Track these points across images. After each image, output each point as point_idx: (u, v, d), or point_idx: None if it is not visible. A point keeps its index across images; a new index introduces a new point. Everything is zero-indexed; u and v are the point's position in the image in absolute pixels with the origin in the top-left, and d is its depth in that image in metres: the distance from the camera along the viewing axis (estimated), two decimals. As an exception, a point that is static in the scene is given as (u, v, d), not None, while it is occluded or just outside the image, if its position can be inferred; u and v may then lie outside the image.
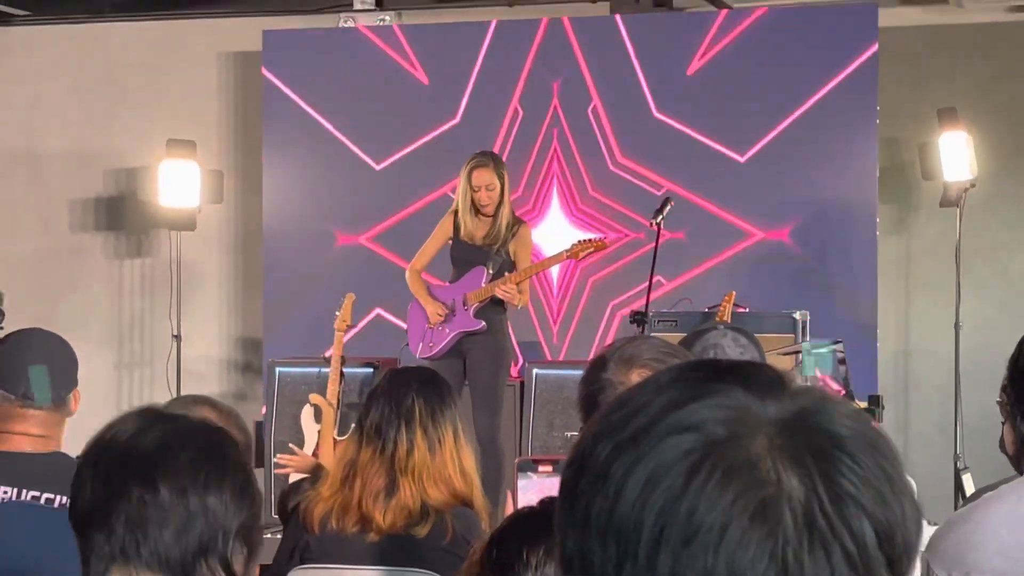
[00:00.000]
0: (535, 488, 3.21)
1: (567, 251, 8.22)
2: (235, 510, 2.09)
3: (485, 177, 7.98)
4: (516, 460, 3.60)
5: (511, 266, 8.07)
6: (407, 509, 4.15)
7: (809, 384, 1.04)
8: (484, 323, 8.04)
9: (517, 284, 8.00)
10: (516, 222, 8.12)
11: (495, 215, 8.03)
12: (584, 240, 8.23)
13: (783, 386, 1.06)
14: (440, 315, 8.09)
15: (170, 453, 2.12)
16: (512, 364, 8.45)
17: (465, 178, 8.04)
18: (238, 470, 2.16)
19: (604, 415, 1.08)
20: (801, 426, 1.03)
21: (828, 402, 1.06)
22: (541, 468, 3.28)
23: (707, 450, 1.01)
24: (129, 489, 2.10)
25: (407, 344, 8.43)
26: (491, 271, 8.03)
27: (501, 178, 8.02)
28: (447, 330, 8.12)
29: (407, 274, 8.36)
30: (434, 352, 8.15)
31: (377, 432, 4.25)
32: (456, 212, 8.12)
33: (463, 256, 8.11)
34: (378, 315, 9.78)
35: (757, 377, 1.06)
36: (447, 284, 8.25)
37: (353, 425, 8.51)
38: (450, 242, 8.19)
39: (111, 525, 2.10)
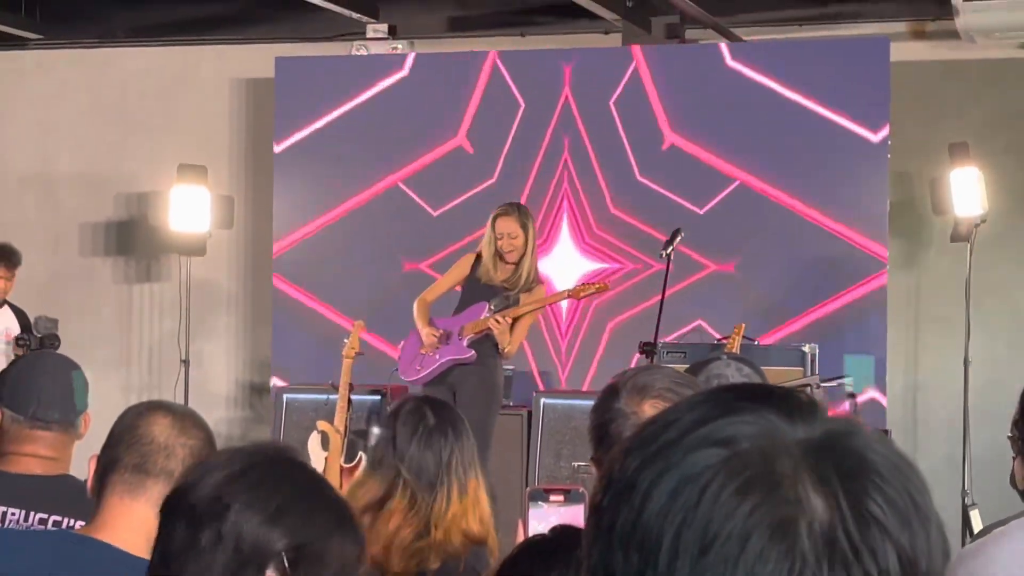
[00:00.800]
0: (546, 517, 3.20)
1: (569, 291, 8.22)
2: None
3: (509, 225, 8.00)
4: (527, 489, 3.59)
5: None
6: (426, 553, 4.12)
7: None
8: (474, 353, 8.00)
9: (511, 321, 7.95)
10: (536, 279, 8.11)
11: (518, 264, 8.03)
12: (586, 283, 8.23)
13: (814, 410, 1.05)
14: (433, 338, 8.07)
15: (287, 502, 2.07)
16: (501, 401, 8.40)
17: (490, 225, 8.07)
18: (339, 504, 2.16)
19: (636, 432, 1.08)
20: (829, 448, 1.02)
21: (857, 427, 1.05)
22: (552, 497, 3.27)
23: (731, 463, 1.01)
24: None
25: (396, 369, 8.39)
26: (493, 307, 8.01)
27: (525, 228, 8.02)
28: (437, 356, 8.09)
29: (415, 303, 8.34)
30: (421, 376, 8.11)
31: (418, 479, 4.21)
32: (478, 254, 8.13)
33: (473, 293, 8.10)
34: (381, 342, 9.78)
35: (788, 400, 1.06)
36: (450, 317, 8.24)
37: (364, 455, 8.53)
38: (465, 281, 8.18)
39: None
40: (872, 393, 8.84)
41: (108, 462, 2.88)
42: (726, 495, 1.00)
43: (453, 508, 4.18)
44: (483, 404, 7.99)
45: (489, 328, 7.94)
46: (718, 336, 8.72)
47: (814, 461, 1.01)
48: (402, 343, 8.37)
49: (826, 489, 1.00)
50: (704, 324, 9.27)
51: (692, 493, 1.00)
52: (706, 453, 1.02)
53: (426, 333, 8.12)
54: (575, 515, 3.12)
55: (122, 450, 2.87)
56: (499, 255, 8.03)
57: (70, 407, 3.73)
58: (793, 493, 1.00)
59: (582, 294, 8.20)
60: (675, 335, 9.00)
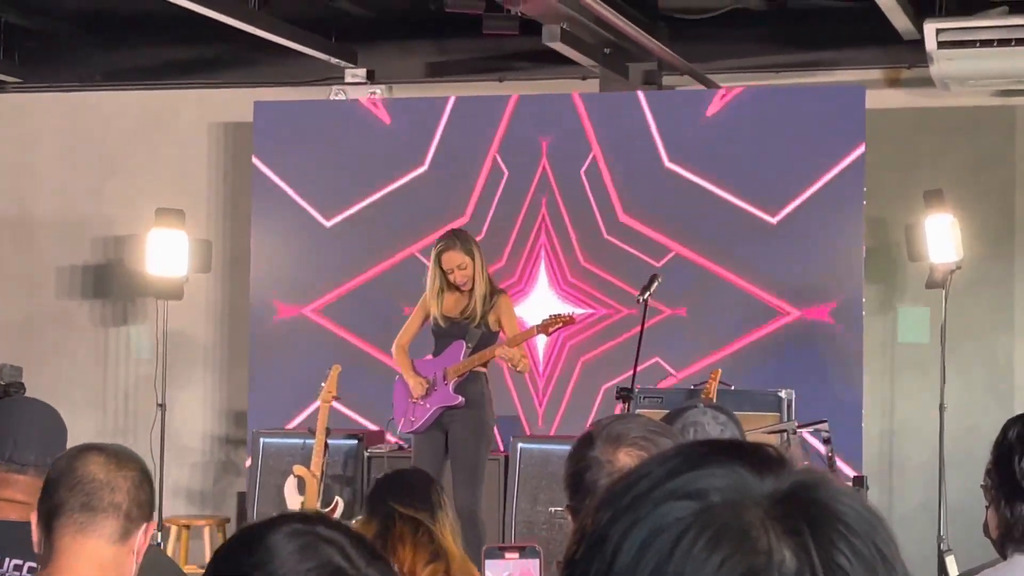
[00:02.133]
0: (502, 571, 3.29)
1: (538, 326, 8.25)
2: None
3: (455, 259, 8.03)
4: (484, 547, 3.67)
5: (492, 338, 8.08)
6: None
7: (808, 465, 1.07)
8: (462, 399, 8.04)
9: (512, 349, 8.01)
10: (495, 293, 8.14)
11: (471, 291, 8.06)
12: (554, 315, 8.26)
13: (782, 463, 1.07)
14: (422, 388, 8.10)
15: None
16: (494, 437, 8.44)
17: (434, 262, 8.08)
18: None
19: (609, 486, 1.10)
20: (797, 500, 1.04)
21: (825, 479, 1.07)
22: (508, 555, 3.34)
23: (700, 516, 1.02)
24: None
25: (391, 419, 8.42)
26: (470, 345, 8.04)
27: (471, 254, 8.04)
28: (427, 404, 8.12)
29: (393, 348, 8.37)
30: (415, 427, 8.15)
31: (416, 509, 4.46)
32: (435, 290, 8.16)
33: (443, 330, 8.14)
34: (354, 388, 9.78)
35: (757, 454, 1.07)
36: (428, 359, 8.26)
37: (340, 500, 8.54)
38: (430, 318, 8.21)
39: None
40: (849, 438, 8.84)
41: (52, 509, 2.95)
42: (697, 548, 1.00)
43: (451, 543, 4.44)
44: (474, 445, 8.04)
45: (478, 366, 8.00)
46: (672, 372, 8.75)
47: (782, 512, 1.02)
48: (393, 395, 8.37)
49: (795, 540, 1.01)
50: (660, 361, 9.23)
51: (663, 545, 1.01)
52: (676, 506, 1.02)
53: (414, 384, 8.14)
54: (529, 570, 3.20)
55: (64, 494, 2.93)
56: (448, 287, 8.06)
57: (46, 450, 3.73)
58: (762, 544, 1.00)
59: (551, 329, 8.24)
60: (628, 374, 9.06)
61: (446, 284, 8.09)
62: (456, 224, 9.09)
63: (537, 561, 3.34)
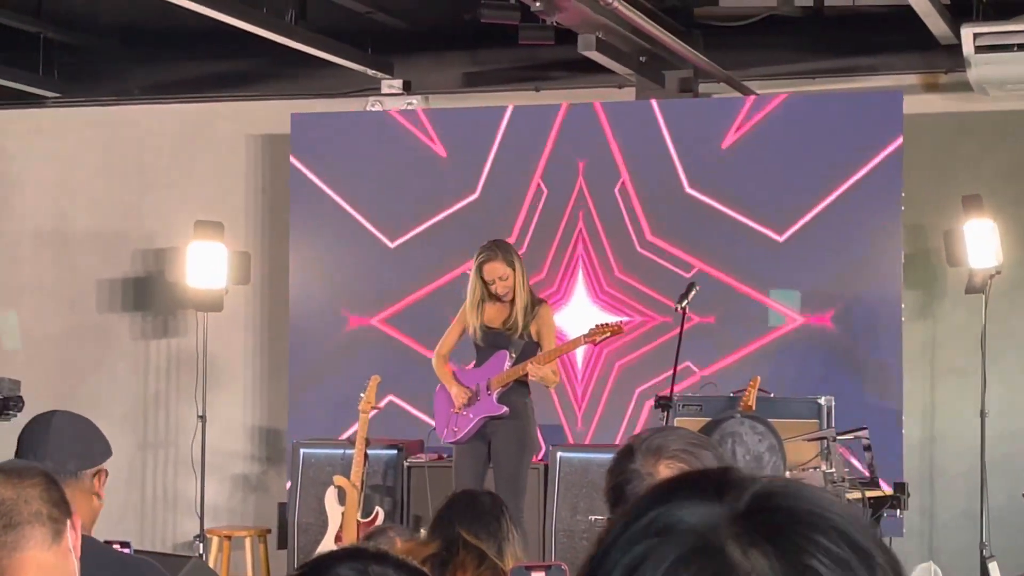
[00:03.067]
0: None
1: (585, 336, 8.23)
2: None
3: (497, 270, 8.03)
4: (511, 567, 3.67)
5: (534, 348, 8.09)
6: None
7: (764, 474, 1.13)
8: (507, 408, 8.06)
9: (545, 364, 8.02)
10: (535, 303, 8.15)
11: (512, 302, 8.07)
12: (602, 325, 8.24)
13: (743, 482, 1.11)
14: (464, 399, 8.12)
15: None
16: (537, 447, 8.45)
17: (476, 273, 8.09)
18: None
19: (596, 537, 1.16)
20: (758, 511, 1.07)
21: (784, 485, 1.11)
22: (534, 574, 3.36)
23: (668, 545, 1.07)
24: None
25: (434, 429, 8.44)
26: (513, 355, 8.05)
27: (512, 265, 8.05)
28: (471, 415, 8.13)
29: (433, 359, 8.39)
30: (459, 437, 8.17)
31: (479, 538, 4.37)
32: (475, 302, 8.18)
33: (485, 341, 8.15)
34: (392, 400, 9.79)
35: (717, 479, 1.12)
36: (471, 368, 8.27)
37: (381, 510, 8.54)
38: (471, 329, 8.21)
39: None
40: (889, 445, 8.79)
41: None
42: (664, 572, 1.05)
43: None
44: (516, 455, 8.05)
45: (521, 376, 8.00)
46: (701, 373, 8.75)
47: (746, 526, 1.06)
48: (434, 404, 8.39)
49: (762, 550, 1.05)
50: (691, 365, 9.22)
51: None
52: (649, 543, 1.08)
53: (456, 394, 8.15)
54: None
55: None
56: (489, 297, 8.07)
57: (79, 460, 3.75)
58: (731, 560, 1.04)
59: (599, 339, 8.22)
60: (660, 378, 9.05)
61: (487, 295, 8.10)
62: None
63: None
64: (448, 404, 8.24)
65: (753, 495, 1.09)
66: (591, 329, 8.24)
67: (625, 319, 9.58)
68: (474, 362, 8.28)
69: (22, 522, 2.96)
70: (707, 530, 1.06)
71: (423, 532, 4.81)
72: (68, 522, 3.04)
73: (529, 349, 8.07)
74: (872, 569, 1.06)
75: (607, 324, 8.24)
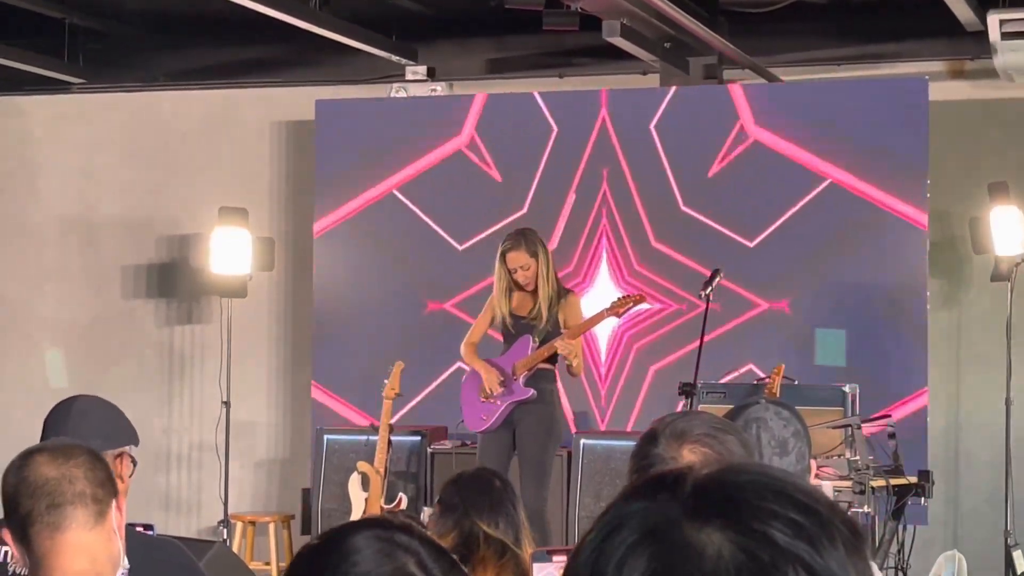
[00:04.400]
0: (552, 572, 3.33)
1: (607, 309, 8.22)
2: None
3: (519, 259, 8.03)
4: (531, 551, 3.66)
5: (558, 335, 8.08)
6: None
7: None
8: (534, 391, 8.05)
9: (571, 341, 7.99)
10: (562, 293, 8.14)
11: (536, 291, 8.06)
12: (624, 296, 8.24)
13: (684, 474, 1.14)
14: (496, 383, 8.10)
15: None
16: (563, 435, 8.44)
17: (500, 262, 8.10)
18: None
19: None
20: (701, 494, 1.10)
21: (723, 466, 1.14)
22: (556, 558, 3.36)
23: (628, 534, 1.10)
24: None
25: (463, 420, 8.42)
26: (536, 340, 8.05)
27: (535, 255, 8.04)
28: (499, 402, 8.12)
29: (462, 348, 8.37)
30: (488, 425, 8.15)
31: (501, 531, 4.27)
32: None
33: (510, 331, 8.16)
34: (414, 387, 9.79)
35: (661, 478, 1.15)
36: (497, 357, 8.27)
37: (404, 497, 8.54)
38: (499, 316, 8.21)
39: None
40: (914, 433, 8.77)
41: (22, 521, 3.00)
42: (617, 562, 1.09)
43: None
44: (542, 440, 8.04)
45: (546, 361, 7.99)
46: (759, 376, 8.70)
47: (694, 507, 1.09)
48: (461, 393, 8.39)
49: (713, 524, 1.07)
50: (755, 368, 9.20)
51: (602, 567, 1.10)
52: (604, 537, 1.12)
53: (488, 378, 8.13)
54: None
55: (26, 504, 2.98)
56: (515, 286, 8.07)
57: (103, 443, 3.76)
58: (685, 537, 1.07)
59: (621, 310, 8.21)
60: (725, 379, 8.98)
61: (513, 283, 8.10)
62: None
63: None
64: (476, 392, 8.22)
65: (695, 480, 1.11)
66: (613, 302, 8.24)
67: (657, 306, 9.57)
68: (500, 353, 8.28)
69: (64, 503, 2.96)
70: (658, 516, 1.09)
71: (426, 512, 4.75)
72: (112, 502, 3.05)
73: (553, 336, 8.06)
74: (825, 527, 1.07)
75: (628, 296, 8.24)
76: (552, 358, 8.10)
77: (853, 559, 1.08)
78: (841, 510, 1.11)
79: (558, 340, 7.96)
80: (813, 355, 9.12)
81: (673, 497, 1.10)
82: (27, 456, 3.06)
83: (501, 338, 8.30)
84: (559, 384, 8.25)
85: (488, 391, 8.14)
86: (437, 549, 1.84)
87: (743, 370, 9.21)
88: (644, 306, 8.87)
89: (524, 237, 8.14)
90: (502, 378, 8.13)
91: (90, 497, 2.99)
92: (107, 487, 3.04)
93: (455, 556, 3.53)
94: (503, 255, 8.08)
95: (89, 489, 2.99)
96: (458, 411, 8.40)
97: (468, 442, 8.86)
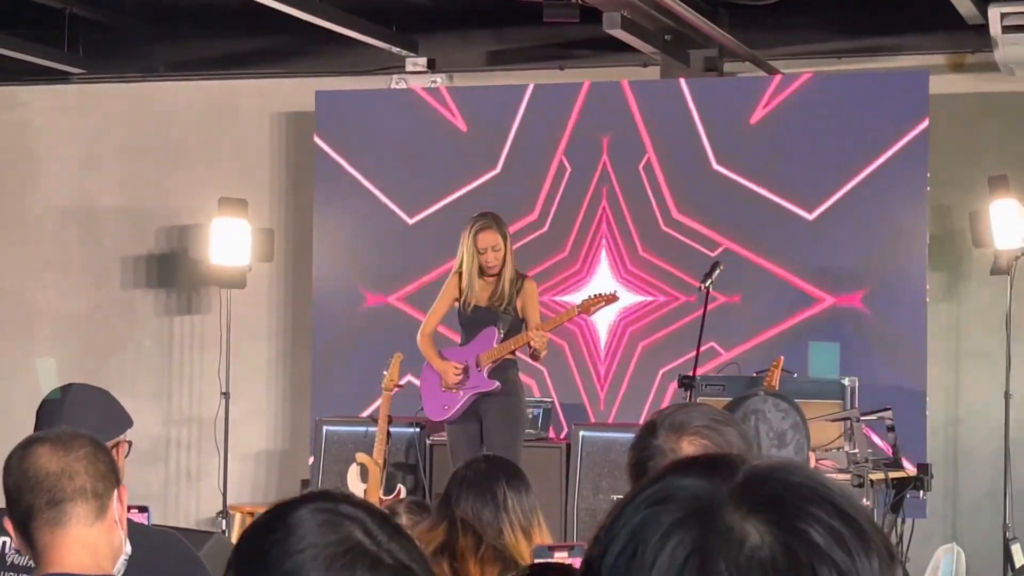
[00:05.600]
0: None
1: (579, 306, 8.23)
2: None
3: (490, 239, 8.00)
4: (534, 546, 3.65)
5: (520, 325, 8.05)
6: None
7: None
8: (498, 383, 8.03)
9: (544, 335, 7.96)
10: (519, 278, 8.12)
11: (499, 275, 8.05)
12: (596, 295, 8.24)
13: (737, 463, 1.16)
14: (455, 376, 8.08)
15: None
16: (527, 423, 8.42)
17: (471, 241, 8.03)
18: None
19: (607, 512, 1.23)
20: (752, 485, 1.13)
21: (777, 463, 1.17)
22: (557, 554, 3.36)
23: (671, 511, 1.13)
24: None
25: (422, 408, 8.41)
26: (502, 331, 8.02)
27: (504, 238, 8.04)
28: (461, 392, 8.10)
29: (418, 337, 8.32)
30: (450, 415, 8.13)
31: (477, 519, 4.21)
32: (460, 274, 8.13)
33: (472, 318, 8.11)
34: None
35: (713, 461, 1.18)
36: (458, 347, 8.24)
37: (403, 488, 8.54)
38: (456, 304, 8.19)
39: None
40: (913, 426, 8.77)
41: (23, 515, 3.00)
42: (667, 537, 1.11)
43: (522, 546, 4.18)
44: (509, 432, 8.02)
45: (510, 352, 7.97)
46: (727, 358, 8.73)
47: (743, 496, 1.12)
48: (420, 384, 8.37)
49: (756, 516, 1.10)
50: (715, 345, 9.22)
51: (637, 543, 1.13)
52: (653, 509, 1.14)
53: (449, 371, 8.10)
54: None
55: (28, 498, 2.98)
56: (479, 274, 8.03)
57: (98, 433, 3.76)
58: (725, 524, 1.10)
59: (592, 308, 8.21)
60: (685, 359, 9.01)
61: (477, 269, 8.05)
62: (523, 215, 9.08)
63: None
64: (436, 381, 8.20)
65: (747, 470, 1.14)
66: (584, 300, 8.24)
67: (649, 299, 9.58)
68: (461, 341, 8.24)
69: (65, 499, 2.96)
70: (705, 497, 1.12)
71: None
72: (115, 493, 3.04)
73: (516, 325, 8.04)
74: (865, 543, 1.10)
75: (601, 294, 8.23)
76: None
77: (885, 575, 1.11)
78: (880, 529, 1.14)
79: (530, 334, 7.92)
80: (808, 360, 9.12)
81: (723, 481, 1.13)
82: (28, 446, 3.04)
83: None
84: (519, 374, 8.20)
85: (449, 385, 8.11)
86: (381, 516, 1.85)
87: (704, 347, 9.25)
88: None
89: (495, 219, 8.11)
90: (461, 370, 8.09)
91: (91, 492, 2.98)
92: (108, 479, 3.03)
93: (443, 547, 3.54)
94: (475, 234, 8.02)
95: (90, 484, 2.98)
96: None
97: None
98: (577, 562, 3.28)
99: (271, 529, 1.82)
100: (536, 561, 3.47)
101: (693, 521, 1.10)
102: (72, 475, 2.97)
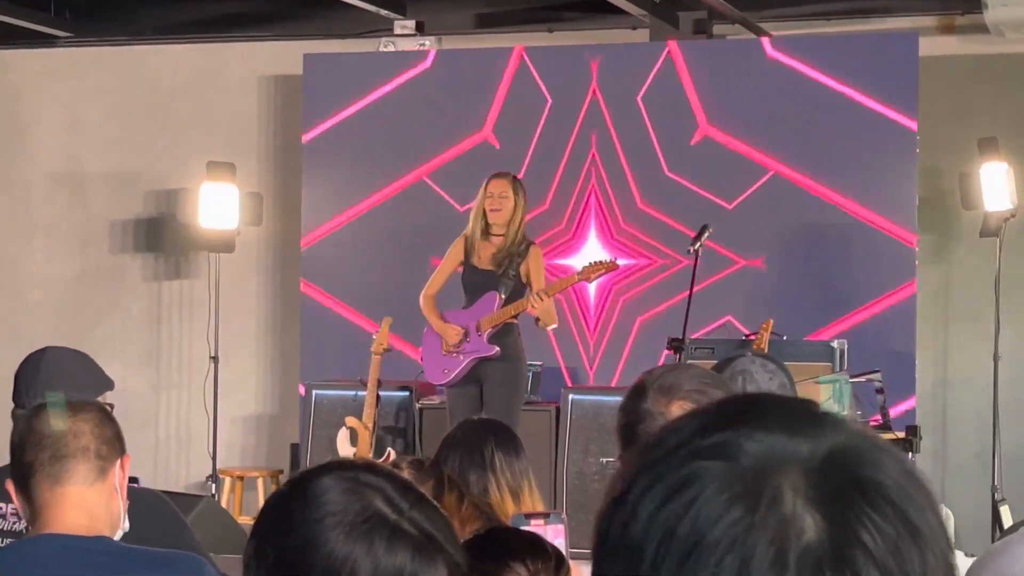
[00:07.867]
0: None
1: (579, 273, 8.24)
2: None
3: (501, 186, 8.06)
4: (511, 515, 3.65)
5: (523, 289, 8.06)
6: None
7: (851, 420, 1.01)
8: (498, 348, 8.03)
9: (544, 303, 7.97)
10: (527, 243, 8.13)
11: (504, 234, 8.04)
12: (596, 262, 8.24)
13: (823, 424, 1.04)
14: (457, 336, 8.09)
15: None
16: (527, 389, 8.44)
17: (483, 188, 8.12)
18: None
19: (642, 443, 1.08)
20: (829, 468, 1.01)
21: (866, 444, 1.03)
22: (533, 521, 3.36)
23: (726, 476, 1.00)
24: None
25: (423, 372, 8.43)
26: (503, 296, 8.03)
27: (516, 194, 8.06)
28: (461, 356, 8.11)
29: (420, 299, 8.34)
30: (450, 379, 8.14)
31: (463, 478, 4.24)
32: (466, 236, 8.15)
33: (474, 281, 8.12)
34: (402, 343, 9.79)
35: (797, 413, 1.05)
36: (460, 310, 8.24)
37: (392, 451, 8.54)
38: (461, 267, 8.20)
39: None
40: (902, 388, 8.79)
41: (24, 470, 3.01)
42: (716, 507, 0.99)
43: (509, 506, 4.19)
44: (508, 397, 8.03)
45: (511, 317, 7.97)
46: (746, 332, 8.71)
47: (811, 481, 1.00)
48: (421, 347, 8.38)
49: (820, 509, 0.99)
50: (733, 320, 9.26)
51: (678, 505, 1.00)
52: (700, 465, 1.01)
53: (450, 332, 8.12)
54: (555, 534, 3.23)
55: (31, 454, 2.99)
56: (483, 234, 8.04)
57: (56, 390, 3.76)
58: (785, 509, 0.98)
59: (592, 276, 8.22)
60: (703, 331, 8.97)
61: (485, 226, 8.07)
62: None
63: (562, 526, 3.35)
64: (437, 345, 8.21)
65: (832, 448, 1.02)
66: (585, 267, 8.24)
67: (644, 261, 9.57)
68: (463, 305, 8.24)
69: (68, 455, 2.98)
70: (771, 471, 1.00)
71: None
72: (118, 461, 3.05)
73: (518, 290, 8.04)
74: (921, 550, 1.00)
75: (601, 261, 8.24)
76: None
77: None
78: (946, 534, 1.03)
79: (532, 299, 7.93)
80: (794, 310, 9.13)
81: (795, 446, 1.01)
82: (40, 407, 3.07)
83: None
84: (521, 338, 8.21)
85: (450, 347, 8.13)
86: (403, 484, 1.85)
87: (722, 320, 9.27)
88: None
89: (514, 176, 8.21)
90: (462, 333, 8.10)
91: (94, 453, 3.00)
92: (113, 445, 3.05)
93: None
94: (489, 179, 8.11)
95: (94, 445, 3.00)
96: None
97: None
98: (553, 530, 3.28)
99: (294, 498, 1.82)
100: (492, 527, 3.47)
101: (749, 497, 0.98)
102: (77, 434, 3.00)
